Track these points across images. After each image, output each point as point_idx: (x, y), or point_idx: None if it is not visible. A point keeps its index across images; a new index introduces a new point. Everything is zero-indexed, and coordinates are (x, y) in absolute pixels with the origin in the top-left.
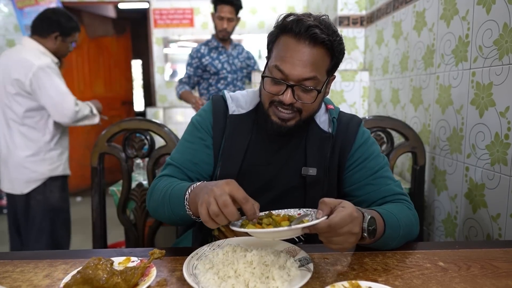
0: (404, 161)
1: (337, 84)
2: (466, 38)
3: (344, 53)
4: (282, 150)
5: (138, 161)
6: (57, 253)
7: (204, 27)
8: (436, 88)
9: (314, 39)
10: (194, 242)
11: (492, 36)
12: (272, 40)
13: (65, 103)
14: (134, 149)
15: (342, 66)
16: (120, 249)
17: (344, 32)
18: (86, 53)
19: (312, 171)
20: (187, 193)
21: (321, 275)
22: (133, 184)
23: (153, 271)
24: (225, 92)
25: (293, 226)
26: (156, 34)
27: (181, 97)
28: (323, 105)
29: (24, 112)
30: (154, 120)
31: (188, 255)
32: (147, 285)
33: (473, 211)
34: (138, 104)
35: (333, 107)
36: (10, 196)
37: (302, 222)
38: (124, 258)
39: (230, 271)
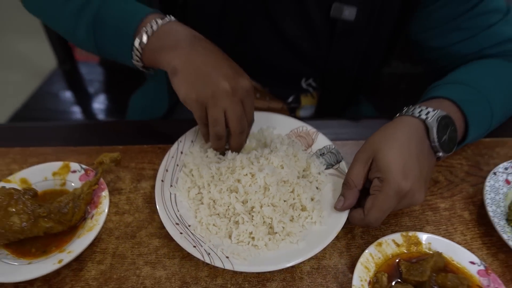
0: None
1: None
2: None
3: None
4: None
5: None
6: None
7: None
8: None
9: None
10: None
11: None
12: None
13: None
14: None
15: None
16: (50, 148)
17: None
18: None
19: (349, 13)
20: (144, 33)
21: None
22: None
23: (105, 198)
24: None
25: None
26: None
27: None
28: None
29: None
30: None
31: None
32: (97, 229)
33: None
34: None
35: None
36: None
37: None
38: (60, 165)
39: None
